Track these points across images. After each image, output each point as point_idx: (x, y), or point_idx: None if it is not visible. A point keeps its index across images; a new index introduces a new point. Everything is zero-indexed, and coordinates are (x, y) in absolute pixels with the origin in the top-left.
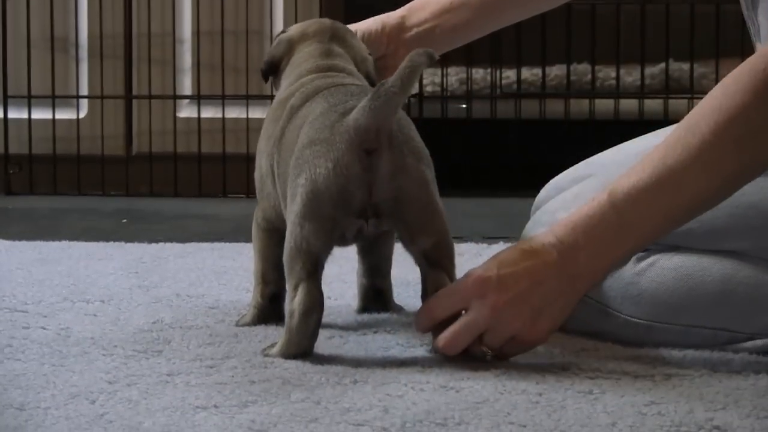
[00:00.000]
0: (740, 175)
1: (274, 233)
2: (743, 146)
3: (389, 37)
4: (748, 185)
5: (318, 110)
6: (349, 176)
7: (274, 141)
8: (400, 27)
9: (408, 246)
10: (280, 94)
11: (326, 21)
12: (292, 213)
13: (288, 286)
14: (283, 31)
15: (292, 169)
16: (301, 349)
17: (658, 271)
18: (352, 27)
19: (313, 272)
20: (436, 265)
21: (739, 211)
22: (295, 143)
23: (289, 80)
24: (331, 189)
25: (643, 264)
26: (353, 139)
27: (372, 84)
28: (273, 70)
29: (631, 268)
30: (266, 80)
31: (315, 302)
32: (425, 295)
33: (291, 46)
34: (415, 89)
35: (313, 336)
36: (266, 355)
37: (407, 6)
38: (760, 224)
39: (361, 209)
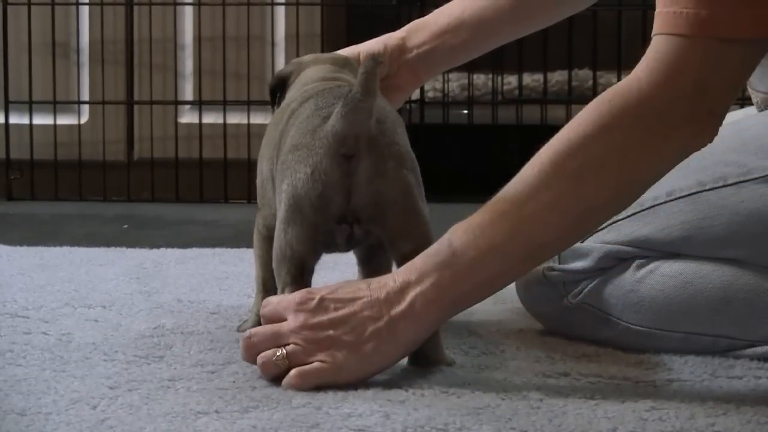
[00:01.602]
0: (582, 212)
1: (273, 241)
2: (580, 178)
3: (391, 57)
4: (747, 193)
5: (305, 113)
6: (327, 181)
7: (274, 145)
8: (401, 48)
9: (389, 251)
10: (284, 103)
11: (341, 54)
12: (277, 218)
13: (278, 292)
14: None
15: (278, 174)
16: None
17: (658, 278)
18: (355, 48)
19: (298, 277)
20: None
21: (739, 218)
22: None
23: (294, 91)
24: (310, 194)
25: (643, 271)
26: (331, 144)
27: None
28: (280, 86)
29: (631, 276)
30: (273, 99)
31: None
32: None
33: (300, 66)
34: (416, 95)
35: None
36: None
37: (407, 27)
38: (760, 232)
39: (340, 214)
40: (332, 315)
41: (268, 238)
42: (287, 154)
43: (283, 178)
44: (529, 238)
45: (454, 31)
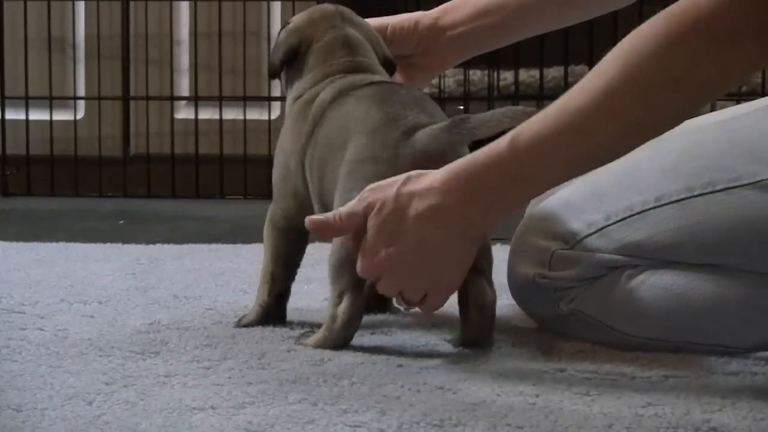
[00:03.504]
0: (647, 124)
1: (291, 232)
2: (652, 93)
3: (420, 36)
4: (736, 200)
5: (374, 120)
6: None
7: (305, 138)
8: (433, 27)
9: None
10: (300, 92)
11: (329, 6)
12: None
13: (332, 290)
14: (287, 24)
15: (345, 179)
16: (336, 346)
17: (648, 289)
18: (383, 20)
19: (359, 284)
20: (475, 271)
21: (729, 225)
22: (340, 142)
23: (315, 78)
24: None
25: (634, 282)
26: (417, 162)
27: (390, 65)
28: (291, 60)
29: (622, 287)
30: (276, 75)
31: (358, 313)
32: (464, 302)
33: (305, 34)
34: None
35: (350, 339)
36: (299, 343)
37: (442, 6)
38: (750, 239)
39: None
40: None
41: (284, 230)
42: (362, 163)
43: (355, 186)
44: (589, 149)
45: (494, 12)
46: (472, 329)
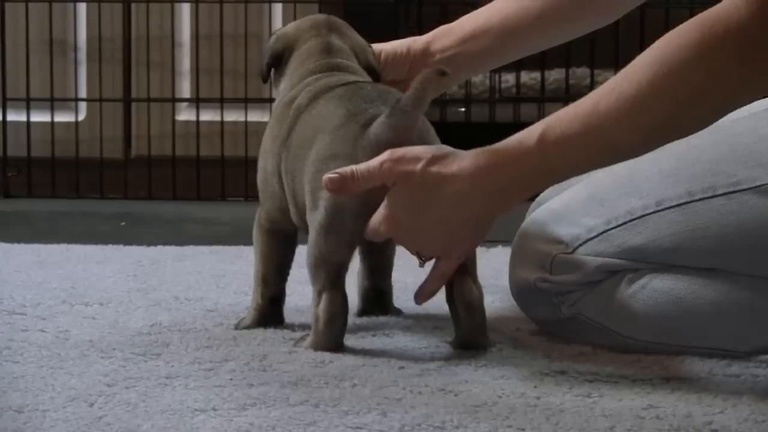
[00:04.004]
0: (673, 131)
1: (278, 234)
2: (679, 104)
3: (413, 60)
4: (737, 204)
5: (337, 118)
6: (370, 190)
7: (281, 141)
8: (425, 52)
9: None
10: (283, 95)
11: (320, 16)
12: (315, 222)
13: (313, 290)
14: (278, 30)
15: (312, 178)
16: (329, 347)
17: (649, 293)
18: (378, 47)
19: (336, 281)
20: (459, 268)
21: (729, 230)
22: (308, 143)
23: (292, 81)
24: (352, 203)
25: (635, 286)
26: (375, 153)
27: (374, 73)
28: (276, 64)
29: (623, 291)
30: (266, 79)
31: (338, 309)
32: (452, 301)
33: (290, 40)
34: None
35: (340, 335)
36: (297, 347)
37: (433, 32)
38: (750, 244)
39: None
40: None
41: (270, 232)
42: (326, 161)
43: (318, 185)
44: (615, 150)
45: (479, 37)
46: (465, 330)
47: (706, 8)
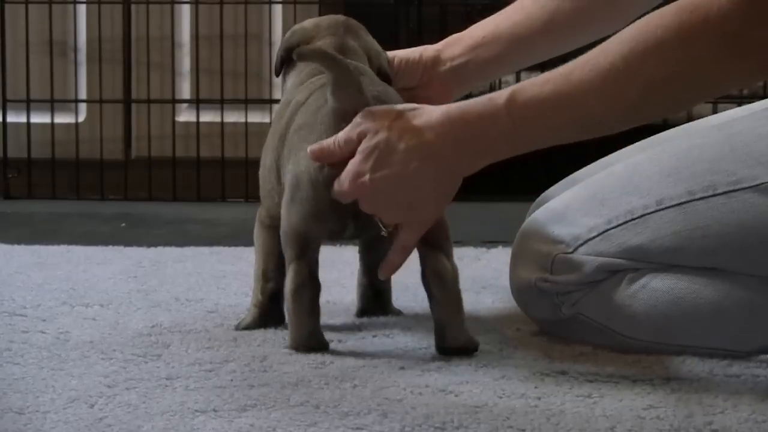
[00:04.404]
0: (645, 110)
1: (278, 230)
2: (652, 84)
3: (424, 67)
4: (737, 203)
5: (312, 100)
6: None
7: (279, 136)
8: (436, 59)
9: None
10: (290, 91)
11: (340, 16)
12: (283, 200)
13: (287, 270)
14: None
15: (284, 161)
16: (304, 330)
17: (650, 293)
18: (392, 53)
19: (301, 254)
20: (432, 246)
21: (729, 228)
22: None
23: (300, 77)
24: (309, 168)
25: (636, 286)
26: (332, 120)
27: (386, 78)
28: (289, 58)
29: (623, 290)
30: (279, 73)
31: (303, 279)
32: (425, 278)
33: (305, 36)
34: None
35: (312, 315)
36: (288, 348)
37: (444, 40)
38: (751, 243)
39: None
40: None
41: (270, 228)
42: (292, 135)
43: (288, 160)
44: (583, 121)
45: (489, 44)
46: (440, 310)
47: None
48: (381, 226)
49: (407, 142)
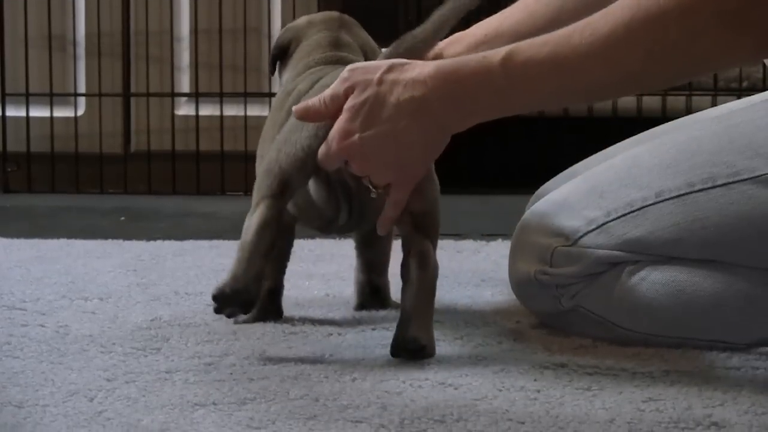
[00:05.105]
0: (642, 79)
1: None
2: (652, 52)
3: None
4: (736, 195)
5: (318, 90)
6: (328, 126)
7: (278, 127)
8: (437, 58)
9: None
10: (286, 83)
11: (334, 12)
12: (274, 142)
13: (252, 207)
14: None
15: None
16: (250, 272)
17: (649, 285)
18: None
19: (278, 193)
20: (420, 232)
21: (729, 220)
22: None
23: (296, 70)
24: (307, 124)
25: (635, 278)
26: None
27: None
28: (281, 56)
29: (623, 283)
30: (273, 70)
31: (273, 217)
32: (405, 261)
33: (298, 33)
34: None
35: (264, 257)
36: (215, 293)
37: (447, 39)
38: (750, 234)
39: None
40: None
41: None
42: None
43: (284, 126)
44: (578, 86)
45: (491, 42)
46: (411, 296)
47: None
48: (371, 187)
49: (397, 96)
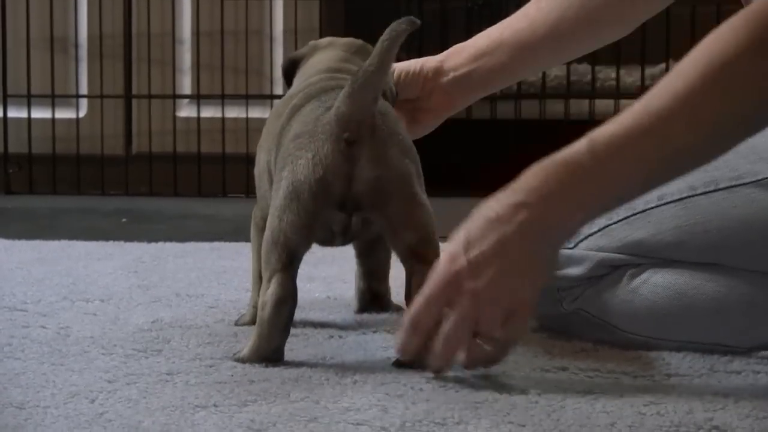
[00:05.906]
0: (727, 128)
1: None
2: (732, 96)
3: (426, 79)
4: (739, 198)
5: (309, 108)
6: (328, 166)
7: (273, 137)
8: (438, 70)
9: (393, 242)
10: (288, 93)
11: (358, 40)
12: (273, 206)
13: (263, 280)
14: None
15: (278, 164)
16: (272, 344)
17: (651, 288)
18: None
19: (288, 265)
20: (422, 262)
21: (731, 224)
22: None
23: (299, 80)
24: (310, 179)
25: (637, 281)
26: (334, 129)
27: (390, 98)
28: (292, 68)
29: (625, 286)
30: (287, 81)
31: (288, 293)
32: (408, 293)
33: (314, 50)
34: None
35: (285, 331)
36: (236, 360)
37: (447, 51)
38: (753, 238)
39: (341, 201)
40: (494, 268)
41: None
42: (288, 143)
43: (283, 166)
44: (668, 154)
45: (492, 53)
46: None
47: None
48: (471, 367)
49: (496, 211)
